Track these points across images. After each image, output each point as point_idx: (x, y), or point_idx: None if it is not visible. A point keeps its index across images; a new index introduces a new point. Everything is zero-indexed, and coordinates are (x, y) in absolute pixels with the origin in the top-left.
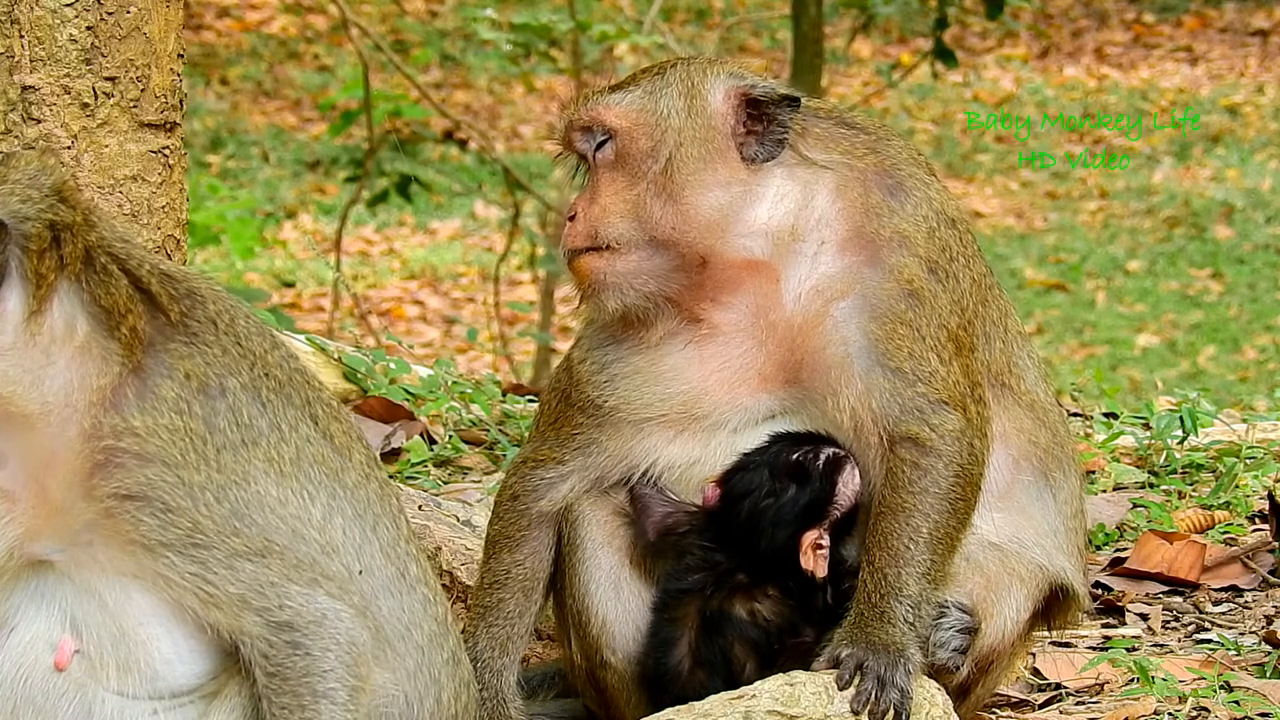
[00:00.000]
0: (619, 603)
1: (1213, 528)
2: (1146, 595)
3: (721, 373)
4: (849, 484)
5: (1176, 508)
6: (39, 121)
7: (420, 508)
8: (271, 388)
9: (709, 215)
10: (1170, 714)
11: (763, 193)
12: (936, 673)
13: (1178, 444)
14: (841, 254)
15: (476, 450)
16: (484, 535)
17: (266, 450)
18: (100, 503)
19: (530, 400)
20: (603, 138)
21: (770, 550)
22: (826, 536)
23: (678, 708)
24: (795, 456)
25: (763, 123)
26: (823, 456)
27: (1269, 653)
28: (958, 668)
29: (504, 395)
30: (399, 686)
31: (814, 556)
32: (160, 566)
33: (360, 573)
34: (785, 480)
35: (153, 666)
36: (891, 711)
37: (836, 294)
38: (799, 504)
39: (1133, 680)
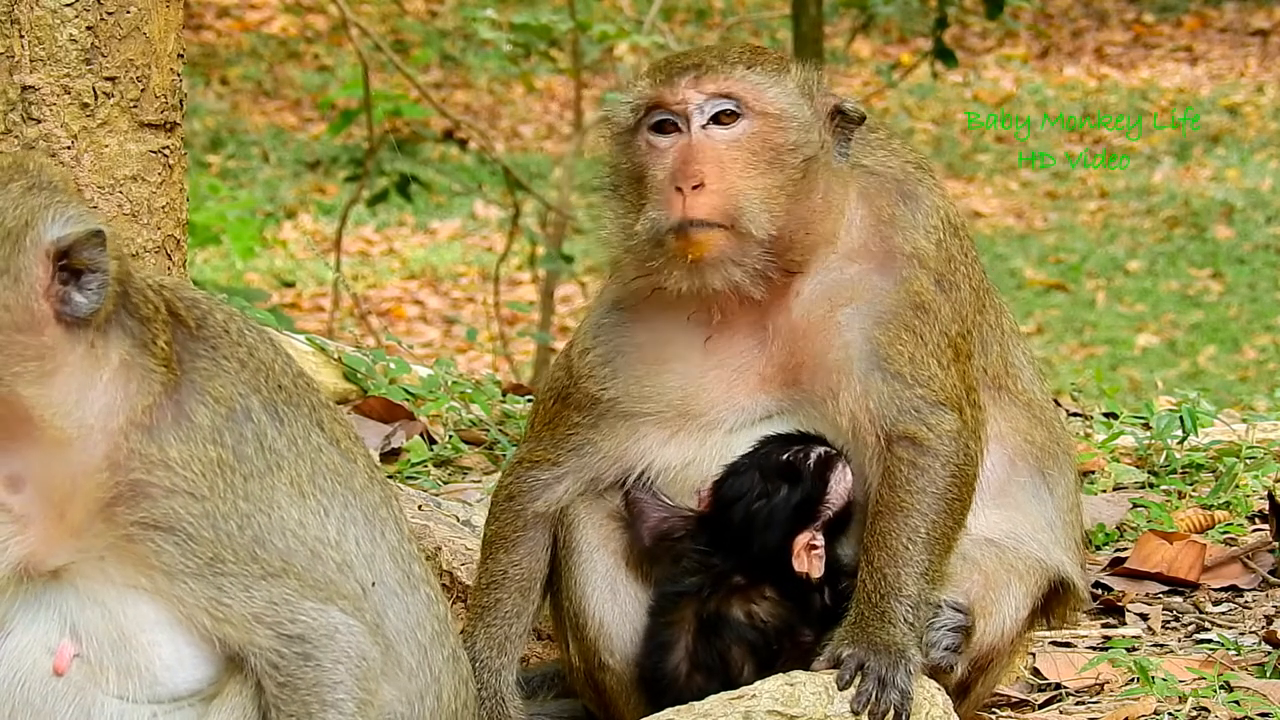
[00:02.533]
0: (616, 605)
1: (1213, 528)
2: (1146, 595)
3: (721, 369)
4: (840, 482)
5: (1176, 508)
6: (39, 121)
7: (420, 508)
8: (284, 400)
9: (819, 220)
10: (1170, 714)
11: (833, 200)
12: (933, 672)
13: (1178, 444)
14: (852, 260)
15: (476, 450)
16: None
17: (289, 471)
18: (122, 529)
19: (530, 400)
20: (731, 111)
21: (763, 552)
22: (820, 537)
23: (677, 708)
24: (786, 456)
25: (841, 136)
26: (813, 456)
27: (1269, 653)
28: (951, 667)
29: (504, 395)
30: (402, 695)
31: (807, 558)
32: (177, 590)
33: (374, 585)
34: (777, 481)
35: (153, 672)
36: (891, 712)
37: (844, 300)
38: (791, 504)
39: (1133, 680)
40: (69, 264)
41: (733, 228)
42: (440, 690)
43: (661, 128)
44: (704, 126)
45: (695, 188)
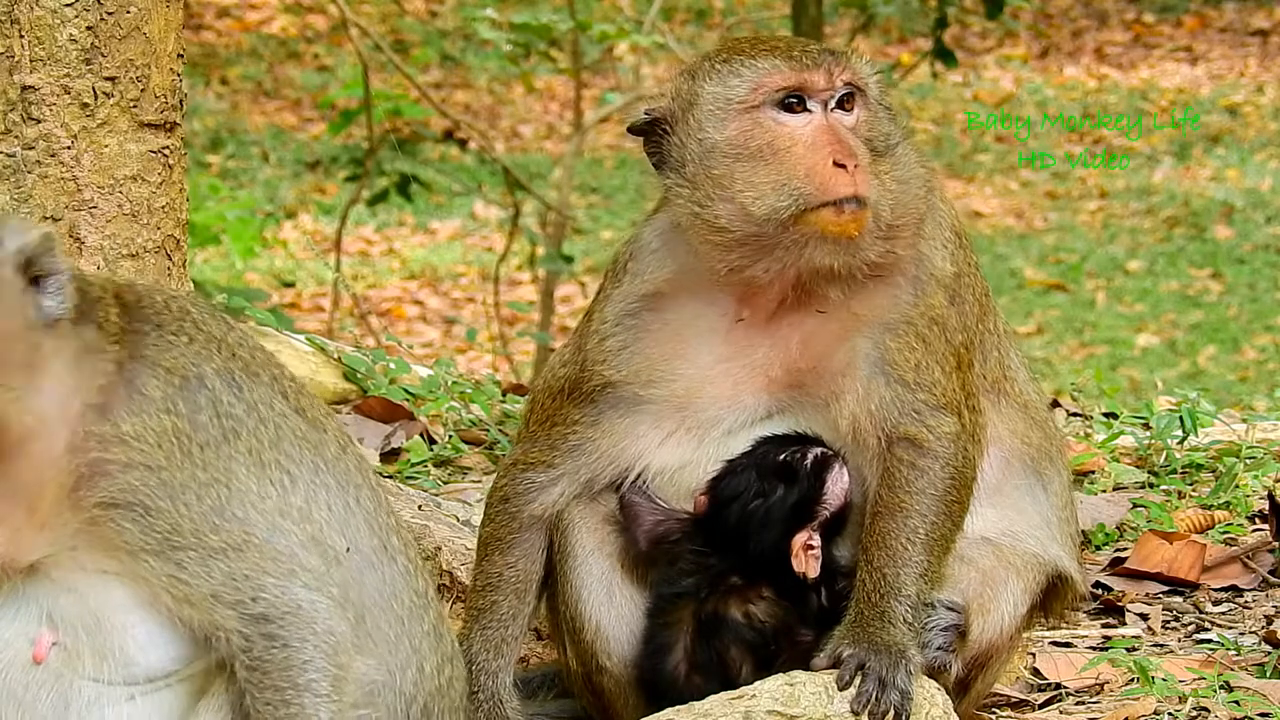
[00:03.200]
0: (612, 608)
1: (1213, 528)
2: (1146, 595)
3: (730, 364)
4: (837, 482)
5: (1176, 508)
6: (39, 121)
7: (420, 508)
8: (240, 369)
9: (915, 219)
10: (1170, 714)
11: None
12: (930, 672)
13: (1178, 444)
14: (877, 267)
15: (476, 450)
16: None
17: (248, 440)
18: (86, 512)
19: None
20: (846, 96)
21: (760, 552)
22: (817, 537)
23: (677, 708)
24: (782, 457)
25: None
26: (810, 456)
27: (1269, 653)
28: (945, 666)
29: (504, 395)
30: (380, 665)
31: (805, 558)
32: (140, 569)
33: (348, 550)
34: (773, 481)
35: (128, 653)
36: (892, 712)
37: (863, 307)
38: (787, 504)
39: (1133, 680)
40: (33, 272)
41: (874, 209)
42: (422, 663)
43: (790, 107)
44: (836, 113)
45: (856, 165)
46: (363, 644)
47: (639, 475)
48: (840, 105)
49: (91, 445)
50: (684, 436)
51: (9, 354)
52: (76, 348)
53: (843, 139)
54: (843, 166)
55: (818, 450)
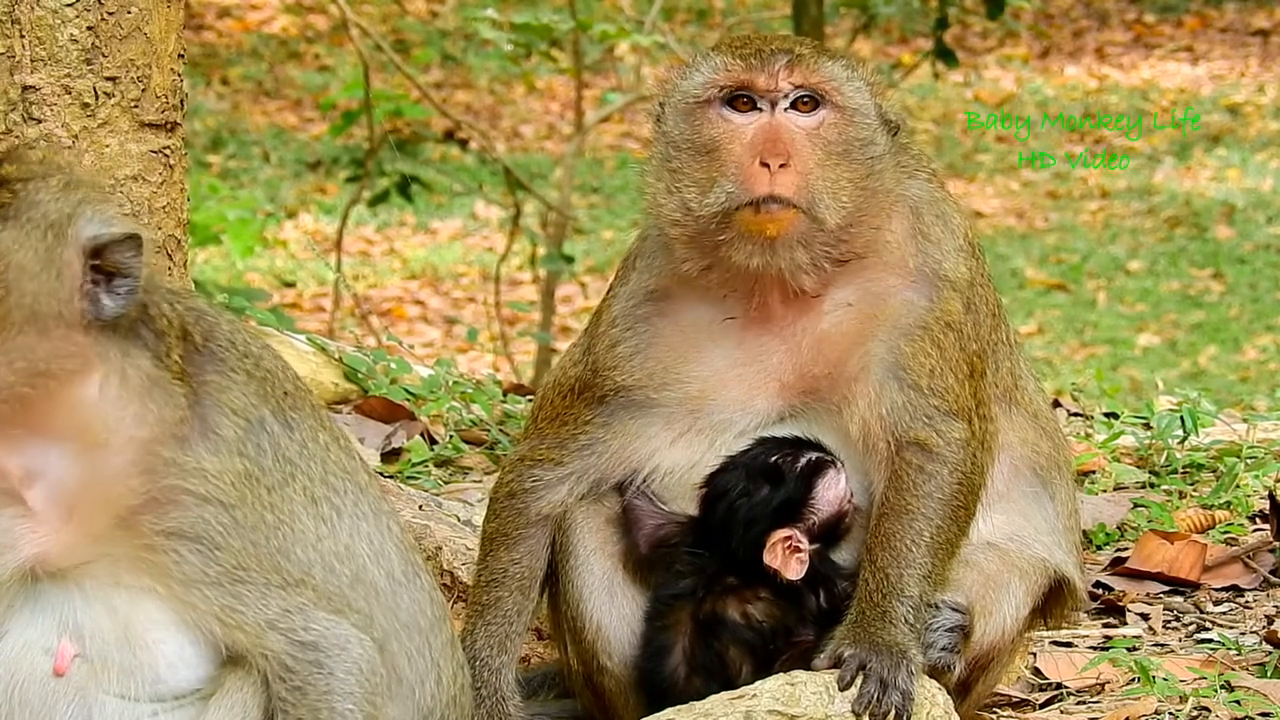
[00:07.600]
0: (613, 608)
1: (1213, 527)
2: (1147, 595)
3: (744, 368)
4: (830, 488)
5: (1177, 507)
6: (39, 121)
7: (421, 508)
8: (290, 405)
9: (877, 219)
10: (1171, 714)
11: (889, 203)
12: (932, 672)
13: (1178, 444)
14: (890, 272)
15: (477, 450)
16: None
17: (302, 480)
18: (144, 538)
19: (530, 400)
20: (812, 98)
21: (743, 550)
22: (803, 539)
23: (678, 708)
24: (773, 459)
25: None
26: (802, 460)
27: (1270, 652)
28: (948, 667)
29: (504, 395)
30: (405, 712)
31: (781, 554)
32: (191, 597)
33: (386, 581)
34: (760, 481)
35: (156, 670)
36: (893, 713)
37: (876, 312)
38: (771, 504)
39: (1133, 680)
40: (101, 265)
41: (808, 211)
42: (440, 675)
43: (738, 105)
44: (785, 110)
45: (781, 165)
46: (394, 692)
47: (648, 475)
48: (795, 106)
49: (171, 472)
50: (695, 438)
51: (57, 335)
52: (146, 373)
53: (780, 139)
54: (767, 166)
55: (812, 455)
